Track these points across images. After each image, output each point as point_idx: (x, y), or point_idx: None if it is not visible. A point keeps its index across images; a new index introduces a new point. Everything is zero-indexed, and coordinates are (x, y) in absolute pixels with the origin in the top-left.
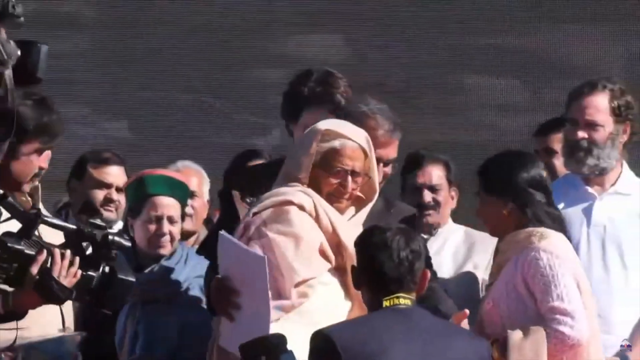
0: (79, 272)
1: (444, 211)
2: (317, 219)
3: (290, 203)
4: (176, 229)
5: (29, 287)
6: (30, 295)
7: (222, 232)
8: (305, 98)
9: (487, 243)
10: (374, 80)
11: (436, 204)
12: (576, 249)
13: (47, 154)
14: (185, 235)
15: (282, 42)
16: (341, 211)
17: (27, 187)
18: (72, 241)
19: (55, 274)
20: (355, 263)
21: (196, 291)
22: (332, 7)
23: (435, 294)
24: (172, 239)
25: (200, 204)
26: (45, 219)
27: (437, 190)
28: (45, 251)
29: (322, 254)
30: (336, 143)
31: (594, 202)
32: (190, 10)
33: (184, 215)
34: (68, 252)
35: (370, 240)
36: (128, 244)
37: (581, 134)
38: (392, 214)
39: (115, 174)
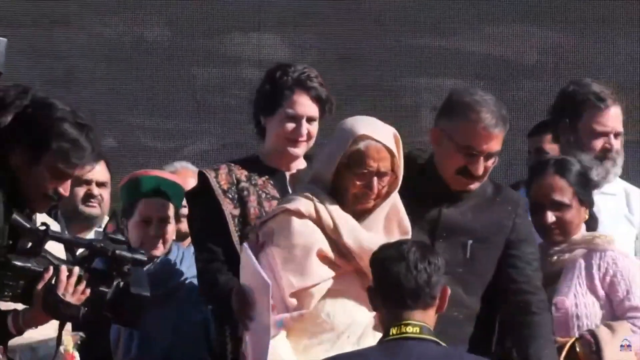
0: (88, 289)
1: None
2: (319, 222)
3: (287, 211)
4: (169, 230)
5: (37, 305)
6: (39, 313)
7: (245, 245)
8: (288, 86)
9: None
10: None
11: None
12: None
13: (68, 182)
14: (182, 236)
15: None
16: (367, 211)
17: (41, 208)
18: (85, 257)
19: (60, 291)
20: (367, 265)
21: (192, 292)
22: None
23: None
24: (165, 241)
25: None
26: (54, 234)
27: None
28: (51, 268)
29: (324, 259)
30: (361, 145)
31: None
32: None
33: (179, 216)
34: (76, 269)
35: (385, 254)
36: (143, 257)
37: (616, 144)
38: (498, 202)
39: (95, 170)
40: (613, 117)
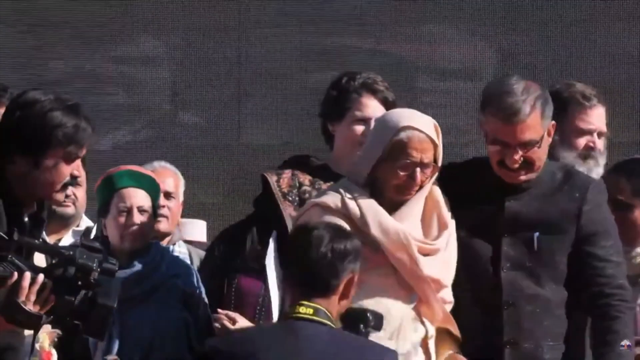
0: (52, 297)
1: None
2: (347, 216)
3: (316, 205)
4: (147, 220)
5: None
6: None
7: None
8: (355, 89)
9: None
10: None
11: None
12: None
13: (78, 162)
14: (161, 236)
15: None
16: (402, 202)
17: (60, 196)
18: (57, 264)
19: (20, 298)
20: (397, 257)
21: (171, 291)
22: None
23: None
24: (144, 233)
25: (176, 205)
26: (21, 240)
27: None
28: (16, 274)
29: None
30: (403, 135)
31: None
32: None
33: (156, 212)
34: (40, 277)
35: (295, 236)
36: (113, 267)
37: (599, 143)
38: (566, 189)
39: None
40: (597, 117)
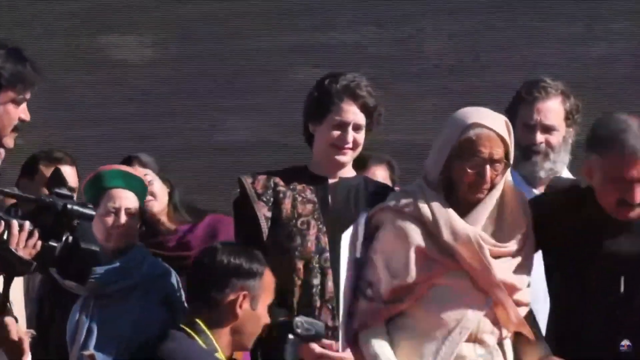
0: (39, 243)
1: None
2: (419, 220)
3: (387, 209)
4: (133, 222)
5: None
6: None
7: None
8: (337, 93)
9: None
10: None
11: None
12: None
13: (24, 105)
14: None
15: None
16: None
17: (9, 141)
18: (32, 212)
19: (12, 245)
20: (469, 263)
21: (154, 291)
22: None
23: None
24: (129, 234)
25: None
26: (4, 190)
27: None
28: (2, 223)
29: (424, 256)
30: (471, 133)
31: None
32: None
33: (142, 213)
34: (27, 224)
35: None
36: (92, 212)
37: (540, 137)
38: None
39: (67, 174)
40: (541, 110)
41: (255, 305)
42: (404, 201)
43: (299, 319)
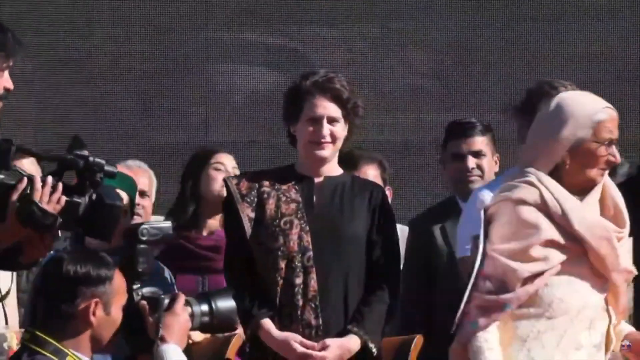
0: (63, 198)
1: None
2: (546, 210)
3: (510, 200)
4: (127, 221)
5: (12, 216)
6: (13, 225)
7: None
8: (308, 90)
9: None
10: None
11: None
12: None
13: (7, 75)
14: None
15: None
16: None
17: None
18: (54, 172)
19: (36, 198)
20: (600, 251)
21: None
22: None
23: None
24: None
25: (149, 204)
26: (21, 146)
27: None
28: (25, 179)
29: (552, 245)
30: (604, 114)
31: None
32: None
33: (133, 211)
34: (49, 179)
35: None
36: (114, 169)
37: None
38: None
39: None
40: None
41: (109, 310)
42: (528, 193)
43: (144, 226)
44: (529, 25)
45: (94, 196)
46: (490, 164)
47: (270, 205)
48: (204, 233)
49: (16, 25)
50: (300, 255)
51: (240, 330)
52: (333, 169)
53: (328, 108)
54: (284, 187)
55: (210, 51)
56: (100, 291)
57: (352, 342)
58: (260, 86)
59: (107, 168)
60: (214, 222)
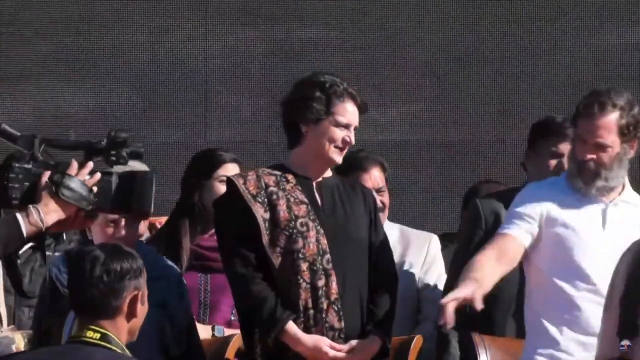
0: (98, 174)
1: (386, 212)
2: None
3: None
4: (133, 230)
5: (46, 196)
6: (49, 202)
7: None
8: (339, 95)
9: (422, 242)
10: None
11: (383, 207)
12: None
13: None
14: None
15: None
16: None
17: None
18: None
19: (79, 177)
20: None
21: (150, 294)
22: None
23: None
24: (130, 243)
25: None
26: (45, 137)
27: (382, 192)
28: (56, 164)
29: None
30: None
31: (607, 206)
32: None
33: None
34: (89, 163)
35: (71, 261)
36: (140, 149)
37: (589, 155)
38: None
39: None
40: (591, 129)
41: (144, 301)
42: None
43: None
44: (527, 26)
45: (122, 170)
46: None
47: (282, 206)
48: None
49: (15, 24)
50: (320, 257)
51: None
52: (327, 171)
53: (357, 116)
54: (288, 187)
55: (208, 51)
56: (140, 283)
57: (375, 343)
58: (259, 86)
59: (132, 148)
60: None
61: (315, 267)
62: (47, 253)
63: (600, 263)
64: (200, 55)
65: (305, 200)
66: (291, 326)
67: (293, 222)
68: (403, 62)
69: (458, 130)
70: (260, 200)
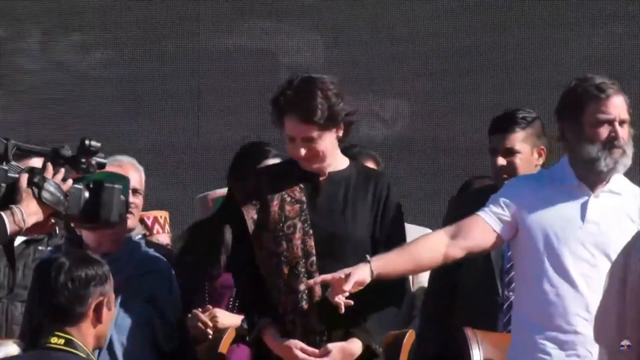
0: (70, 180)
1: None
2: None
3: None
4: (122, 226)
5: (28, 197)
6: (30, 203)
7: None
8: (283, 106)
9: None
10: None
11: None
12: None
13: None
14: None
15: None
16: None
17: None
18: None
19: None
20: None
21: (138, 290)
22: None
23: None
24: (119, 239)
25: (141, 202)
26: (17, 143)
27: None
28: (32, 169)
29: None
30: None
31: (589, 198)
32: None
33: (127, 211)
34: (51, 167)
35: (38, 268)
36: (104, 161)
37: (622, 132)
38: None
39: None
40: (615, 105)
41: (110, 306)
42: None
43: None
44: (522, 30)
45: (91, 185)
46: None
47: (274, 207)
48: None
49: (11, 29)
50: (303, 260)
51: (232, 322)
52: (337, 163)
53: (298, 129)
54: (288, 185)
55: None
56: (106, 289)
57: (354, 345)
58: (252, 85)
59: (99, 159)
60: None
61: (296, 271)
62: (40, 247)
63: (579, 258)
64: (194, 56)
65: (302, 199)
66: (268, 332)
67: (281, 225)
68: (399, 64)
69: (456, 131)
70: (253, 201)
